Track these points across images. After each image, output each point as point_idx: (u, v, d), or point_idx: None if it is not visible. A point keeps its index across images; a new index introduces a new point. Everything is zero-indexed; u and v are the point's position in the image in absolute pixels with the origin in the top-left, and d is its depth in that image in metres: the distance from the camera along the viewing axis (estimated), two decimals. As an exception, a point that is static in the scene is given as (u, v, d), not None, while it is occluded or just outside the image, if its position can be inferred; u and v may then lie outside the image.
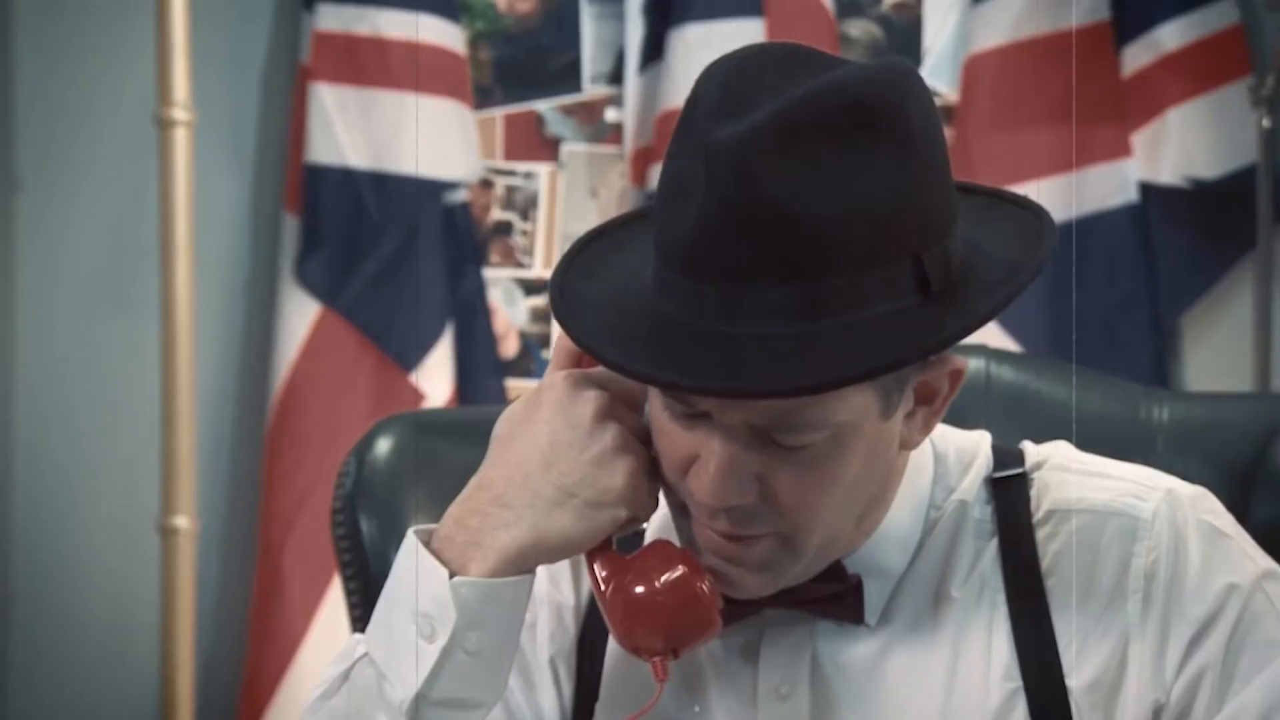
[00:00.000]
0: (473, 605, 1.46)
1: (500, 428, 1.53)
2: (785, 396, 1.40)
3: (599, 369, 1.49)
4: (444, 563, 1.47)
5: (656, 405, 1.48)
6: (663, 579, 1.47)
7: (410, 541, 1.50)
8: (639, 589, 1.47)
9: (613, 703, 1.57)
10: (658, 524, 1.55)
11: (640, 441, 1.49)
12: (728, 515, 1.45)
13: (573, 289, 1.49)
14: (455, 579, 1.46)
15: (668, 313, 1.43)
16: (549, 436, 1.48)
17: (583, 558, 1.53)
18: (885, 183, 1.39)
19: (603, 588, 1.48)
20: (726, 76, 1.42)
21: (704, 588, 1.46)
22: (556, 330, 1.53)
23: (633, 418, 1.50)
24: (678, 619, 1.46)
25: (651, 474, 1.49)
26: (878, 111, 1.39)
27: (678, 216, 1.41)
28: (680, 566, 1.47)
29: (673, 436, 1.46)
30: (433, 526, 1.51)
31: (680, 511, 1.50)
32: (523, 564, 1.47)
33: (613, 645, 1.58)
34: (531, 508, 1.47)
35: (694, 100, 1.43)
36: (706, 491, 1.43)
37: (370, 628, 1.52)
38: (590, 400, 1.48)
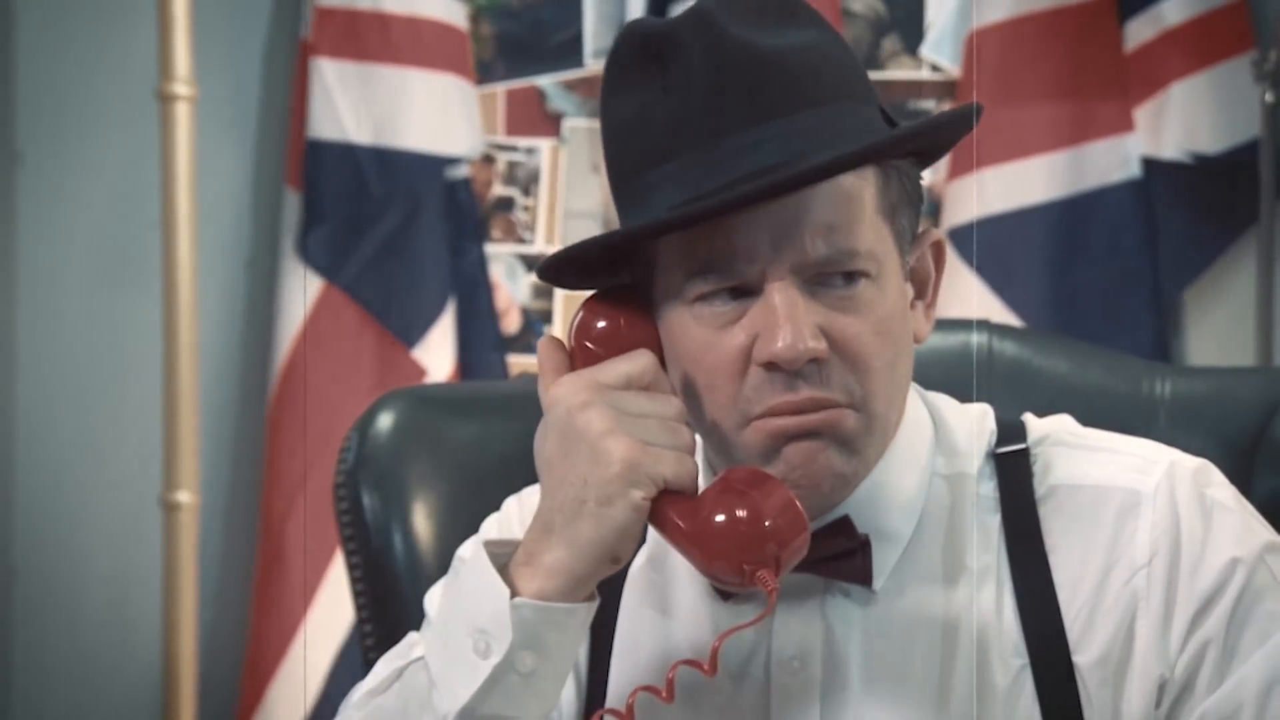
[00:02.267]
0: (530, 626, 1.45)
1: (536, 458, 1.51)
2: (819, 178, 1.43)
3: (581, 370, 1.49)
4: (507, 582, 1.46)
5: (689, 327, 1.48)
6: (752, 489, 1.45)
7: (478, 554, 1.49)
8: (728, 506, 1.44)
9: (624, 666, 1.57)
10: None
11: (637, 411, 1.46)
12: (804, 381, 1.45)
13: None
14: (516, 599, 1.45)
15: (681, 198, 1.45)
16: (555, 450, 1.47)
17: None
18: (828, 43, 1.48)
19: (684, 527, 1.45)
20: (640, 20, 1.51)
21: (790, 496, 1.45)
22: (555, 317, 1.54)
23: (624, 394, 1.47)
24: (771, 524, 1.44)
25: (665, 431, 1.46)
26: (795, 2, 1.50)
27: (653, 114, 1.46)
28: (763, 477, 1.46)
29: (719, 339, 1.47)
30: (505, 540, 1.51)
31: (738, 429, 1.48)
32: (573, 581, 1.46)
33: (625, 611, 1.58)
34: (565, 526, 1.46)
35: (616, 49, 1.50)
36: (783, 344, 1.43)
37: (429, 630, 1.52)
38: (567, 397, 1.47)
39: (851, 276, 1.46)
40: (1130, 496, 1.53)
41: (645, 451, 1.45)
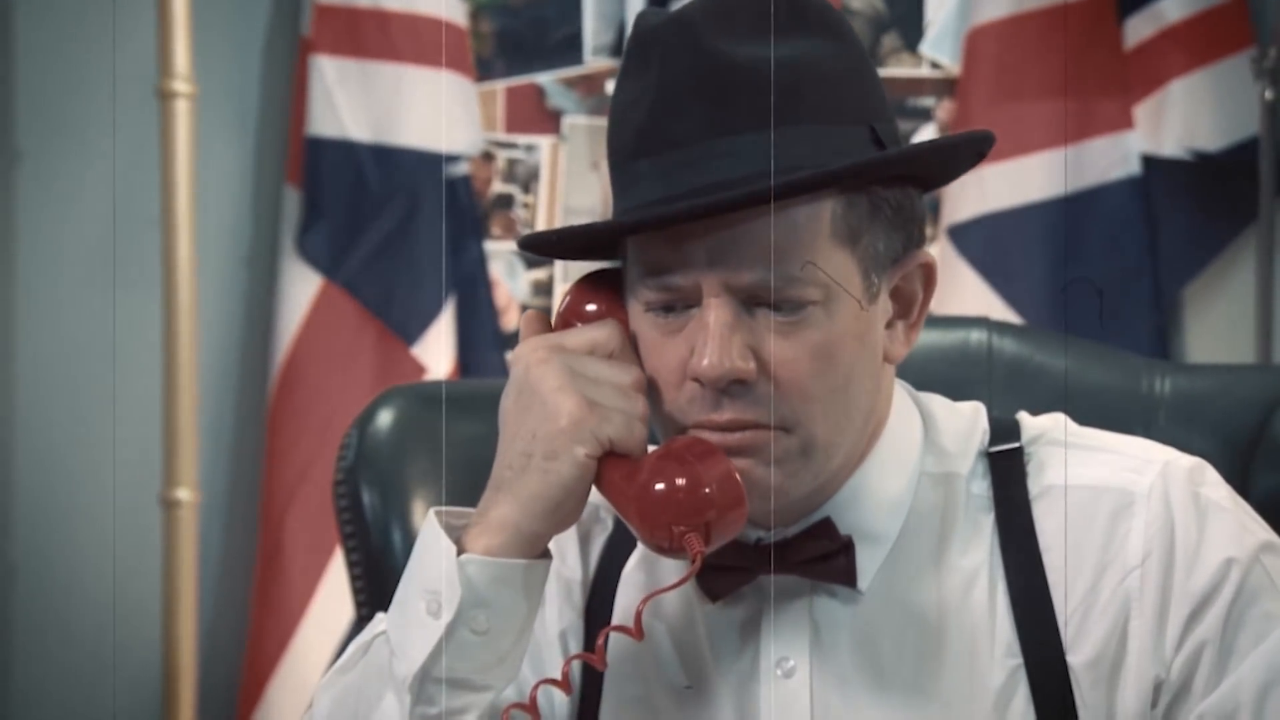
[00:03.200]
0: (479, 584, 1.46)
1: (500, 419, 1.53)
2: (763, 200, 1.41)
3: (552, 333, 1.51)
4: (456, 543, 1.48)
5: (644, 325, 1.48)
6: (691, 455, 1.45)
7: (429, 519, 1.50)
8: (668, 471, 1.45)
9: (620, 671, 1.57)
10: None
11: (592, 375, 1.47)
12: (730, 400, 1.45)
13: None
14: (463, 556, 1.46)
15: (639, 201, 1.45)
16: (510, 407, 1.50)
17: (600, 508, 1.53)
18: (827, 56, 1.45)
19: (623, 488, 1.46)
20: (648, 11, 1.50)
21: (731, 469, 1.45)
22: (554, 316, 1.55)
23: (583, 358, 1.49)
24: (709, 491, 1.44)
25: (617, 395, 1.47)
26: (806, 6, 1.47)
27: (633, 113, 1.46)
28: (706, 448, 1.46)
29: (664, 347, 1.47)
30: (462, 509, 1.52)
31: (679, 432, 1.48)
32: (519, 537, 1.47)
33: (618, 613, 1.58)
34: (511, 482, 1.48)
35: (628, 37, 1.49)
36: (708, 362, 1.43)
37: (392, 605, 1.52)
38: (527, 355, 1.49)
39: (793, 302, 1.45)
40: (1123, 496, 1.52)
41: (593, 410, 1.46)
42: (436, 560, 1.47)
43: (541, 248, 1.56)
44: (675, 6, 1.51)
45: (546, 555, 1.50)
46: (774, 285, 1.44)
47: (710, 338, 1.44)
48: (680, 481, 1.45)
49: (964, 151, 1.53)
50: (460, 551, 1.47)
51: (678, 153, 1.44)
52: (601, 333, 1.50)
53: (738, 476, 1.45)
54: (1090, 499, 1.53)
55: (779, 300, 1.44)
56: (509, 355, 1.54)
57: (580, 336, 1.50)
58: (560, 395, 1.46)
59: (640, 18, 1.49)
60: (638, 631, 1.46)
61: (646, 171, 1.46)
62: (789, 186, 1.42)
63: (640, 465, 1.47)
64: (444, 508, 1.52)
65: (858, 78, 1.48)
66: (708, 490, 1.44)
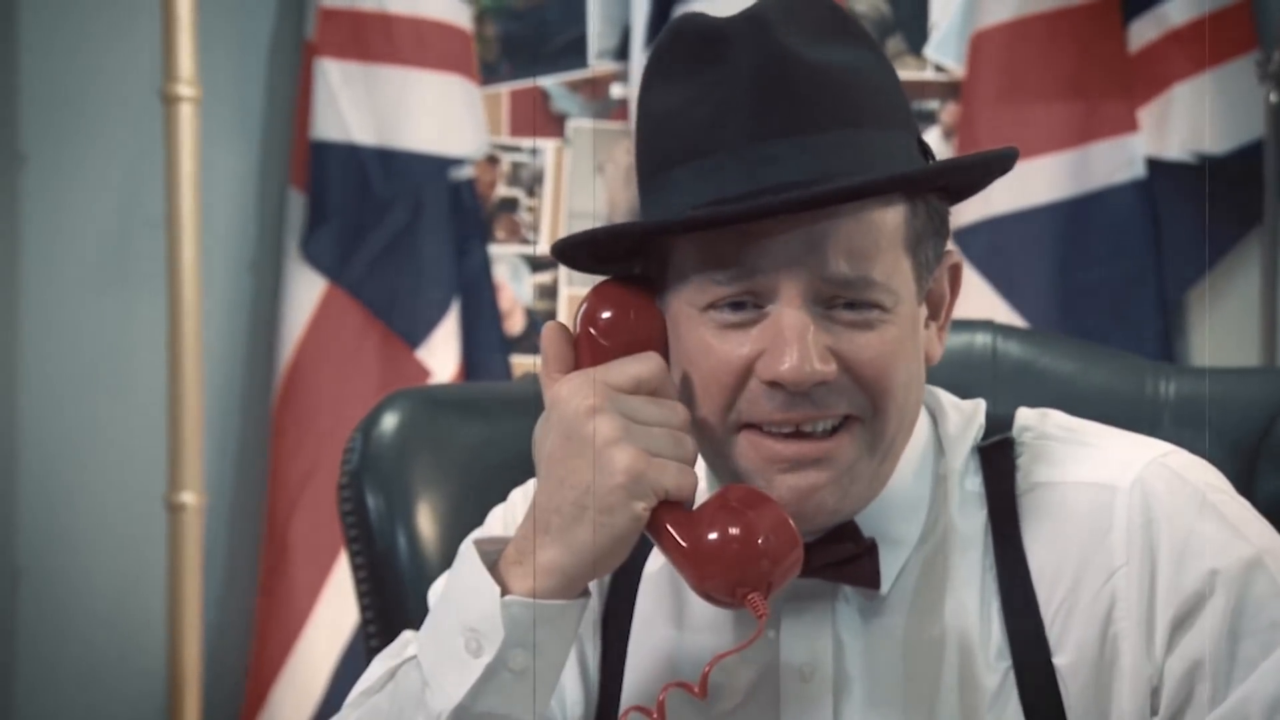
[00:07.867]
0: (521, 624, 1.45)
1: (535, 450, 1.51)
2: (852, 198, 1.41)
3: (588, 369, 1.48)
4: (498, 581, 1.46)
5: (695, 328, 1.46)
6: (747, 509, 1.44)
7: (469, 552, 1.48)
8: (723, 526, 1.43)
9: (638, 672, 1.57)
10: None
11: (644, 419, 1.46)
12: (809, 398, 1.44)
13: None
14: (506, 598, 1.45)
15: (713, 196, 1.43)
16: (557, 450, 1.46)
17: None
18: (875, 66, 1.47)
19: (679, 542, 1.45)
20: (694, 14, 1.49)
21: (784, 516, 1.44)
22: (559, 318, 1.53)
23: (632, 400, 1.46)
24: (768, 547, 1.43)
25: (671, 441, 1.45)
26: (849, 19, 1.48)
27: (693, 111, 1.44)
28: (759, 497, 1.45)
29: (725, 349, 1.46)
30: (495, 537, 1.51)
31: (729, 435, 1.47)
32: (565, 581, 1.46)
33: (639, 617, 1.57)
34: (562, 529, 1.45)
35: (665, 40, 1.48)
36: (789, 366, 1.42)
37: (422, 631, 1.51)
38: (573, 399, 1.46)
39: (865, 305, 1.45)
40: (1104, 493, 1.50)
41: (649, 463, 1.44)
42: (476, 596, 1.46)
43: (576, 256, 1.53)
44: (677, 14, 1.51)
45: (586, 594, 1.49)
46: (853, 284, 1.44)
47: (792, 341, 1.43)
48: (736, 535, 1.43)
49: (1005, 163, 1.52)
50: (504, 591, 1.45)
51: (759, 150, 1.43)
52: (645, 367, 1.48)
53: (792, 523, 1.44)
54: (1072, 496, 1.51)
55: (857, 300, 1.45)
56: (548, 394, 1.50)
57: (624, 373, 1.47)
58: (616, 449, 1.44)
59: (687, 20, 1.48)
60: (702, 692, 1.44)
61: (709, 172, 1.44)
62: (897, 180, 1.43)
63: (695, 517, 1.45)
64: (480, 536, 1.50)
65: (899, 90, 1.50)
66: (762, 546, 1.43)
